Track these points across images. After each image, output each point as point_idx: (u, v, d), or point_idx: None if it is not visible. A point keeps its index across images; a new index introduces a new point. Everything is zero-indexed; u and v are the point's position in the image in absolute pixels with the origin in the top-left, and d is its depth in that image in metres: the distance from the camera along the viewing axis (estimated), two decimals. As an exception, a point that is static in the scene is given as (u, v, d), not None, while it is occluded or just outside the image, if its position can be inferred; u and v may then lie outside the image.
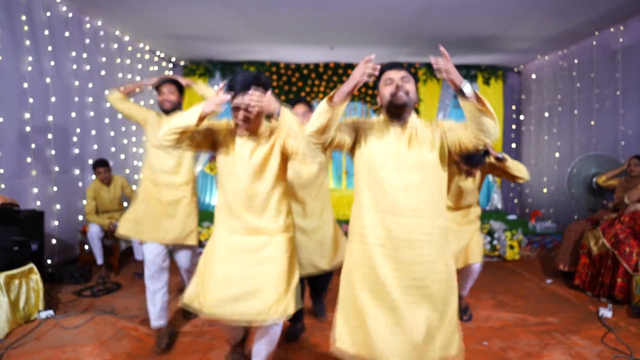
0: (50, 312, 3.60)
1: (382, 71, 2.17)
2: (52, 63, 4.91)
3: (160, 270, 3.25)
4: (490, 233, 5.98)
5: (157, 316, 3.21)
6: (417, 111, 7.95)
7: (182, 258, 3.54)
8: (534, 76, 8.01)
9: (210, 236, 2.57)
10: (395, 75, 2.18)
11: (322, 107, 2.03)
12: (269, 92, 2.35)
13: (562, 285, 4.80)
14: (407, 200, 2.07)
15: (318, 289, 3.73)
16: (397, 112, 2.16)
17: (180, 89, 3.55)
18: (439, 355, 2.09)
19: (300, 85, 8.16)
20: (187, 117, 2.26)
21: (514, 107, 8.65)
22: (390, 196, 2.08)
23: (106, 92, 5.93)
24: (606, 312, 3.89)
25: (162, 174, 3.35)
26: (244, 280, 2.36)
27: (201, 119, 2.26)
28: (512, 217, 7.70)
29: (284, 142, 2.42)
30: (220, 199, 2.51)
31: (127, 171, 6.52)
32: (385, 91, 2.17)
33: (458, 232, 3.66)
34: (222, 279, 2.37)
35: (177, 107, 3.50)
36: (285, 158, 2.49)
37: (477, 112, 1.97)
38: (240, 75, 2.36)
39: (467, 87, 1.97)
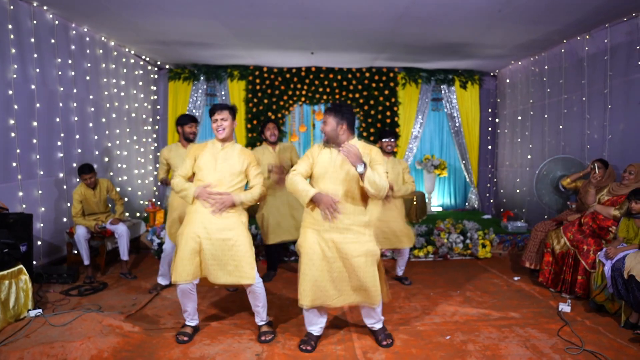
0: (39, 311, 3.76)
1: None
2: (38, 70, 5.04)
3: None
4: (463, 232, 6.24)
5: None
6: (396, 114, 8.20)
7: None
8: (508, 80, 8.31)
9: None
10: (321, 119, 3.40)
11: (301, 195, 3.19)
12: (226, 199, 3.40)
13: (528, 282, 5.07)
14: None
15: None
16: (326, 143, 3.33)
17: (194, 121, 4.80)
18: None
19: (282, 88, 8.36)
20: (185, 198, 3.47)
21: (490, 110, 8.94)
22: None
23: (91, 96, 6.09)
24: (565, 307, 4.16)
25: None
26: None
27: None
28: (487, 216, 8.00)
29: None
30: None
31: (111, 173, 6.66)
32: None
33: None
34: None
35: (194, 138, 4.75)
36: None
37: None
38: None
39: (359, 168, 2.98)
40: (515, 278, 5.24)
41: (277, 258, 5.46)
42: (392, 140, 4.80)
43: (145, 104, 8.01)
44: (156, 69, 8.42)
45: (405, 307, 4.24)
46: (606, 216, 4.55)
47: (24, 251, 4.02)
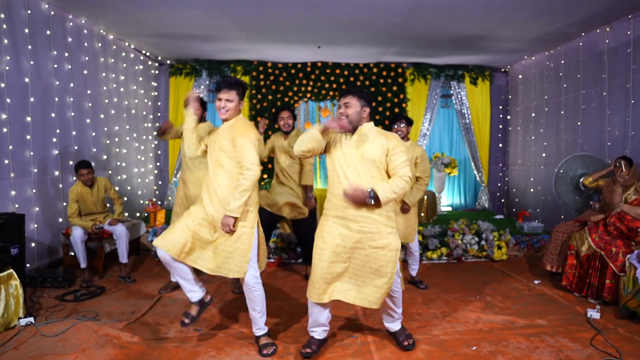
0: (31, 319, 3.48)
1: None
2: (32, 62, 4.77)
3: None
4: (477, 233, 5.97)
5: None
6: (404, 111, 7.96)
7: None
8: (520, 76, 8.04)
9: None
10: (342, 101, 3.03)
11: (310, 136, 2.95)
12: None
13: (550, 286, 4.80)
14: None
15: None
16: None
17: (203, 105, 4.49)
18: None
19: (287, 84, 8.09)
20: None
21: (500, 107, 8.67)
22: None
23: (88, 91, 5.82)
24: (594, 314, 3.89)
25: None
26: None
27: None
28: (499, 216, 7.72)
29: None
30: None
31: (110, 172, 6.39)
32: (337, 113, 3.08)
33: None
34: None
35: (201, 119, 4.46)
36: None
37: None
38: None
39: (370, 201, 2.86)
40: (536, 281, 4.96)
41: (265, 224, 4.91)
42: (403, 125, 4.46)
43: (146, 100, 7.73)
44: (157, 64, 8.15)
45: (424, 314, 3.96)
46: (635, 216, 4.29)
47: (15, 254, 3.74)
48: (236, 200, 3.00)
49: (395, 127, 4.46)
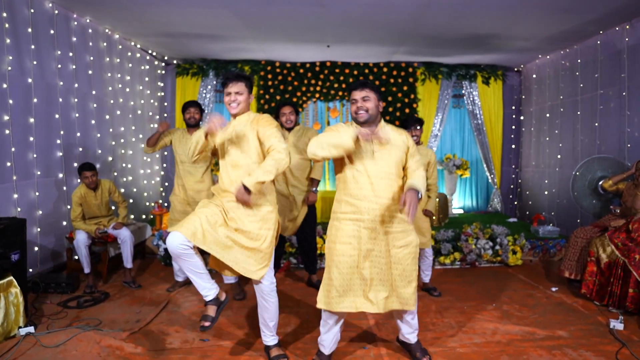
0: (31, 329, 3.36)
1: (350, 90, 2.85)
2: (35, 62, 4.66)
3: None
4: (492, 238, 5.79)
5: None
6: (415, 111, 7.79)
7: None
8: (534, 76, 7.84)
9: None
10: (358, 95, 2.80)
11: (341, 144, 2.69)
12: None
13: (568, 294, 4.61)
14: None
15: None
16: (362, 125, 2.83)
17: (201, 109, 4.77)
18: None
19: (296, 84, 7.94)
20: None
21: (513, 107, 8.47)
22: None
23: (93, 92, 5.71)
24: (617, 325, 3.70)
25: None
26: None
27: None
28: (512, 220, 7.53)
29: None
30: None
31: (115, 173, 6.27)
32: (351, 109, 2.86)
33: None
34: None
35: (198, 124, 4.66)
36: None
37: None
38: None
39: (420, 194, 2.72)
40: (553, 289, 4.78)
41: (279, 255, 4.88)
42: (418, 127, 4.34)
43: (152, 101, 7.62)
44: (163, 64, 8.03)
45: (438, 324, 3.80)
46: (659, 222, 4.10)
47: (15, 260, 3.63)
48: (257, 175, 2.74)
49: (412, 131, 4.34)
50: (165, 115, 8.14)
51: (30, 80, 4.61)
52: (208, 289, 2.85)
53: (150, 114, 7.56)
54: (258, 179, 2.73)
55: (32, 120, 4.64)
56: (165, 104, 8.16)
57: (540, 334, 3.61)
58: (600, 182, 5.19)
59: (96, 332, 3.35)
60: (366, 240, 2.78)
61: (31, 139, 4.64)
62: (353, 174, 2.82)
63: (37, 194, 4.72)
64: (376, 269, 2.81)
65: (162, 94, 8.06)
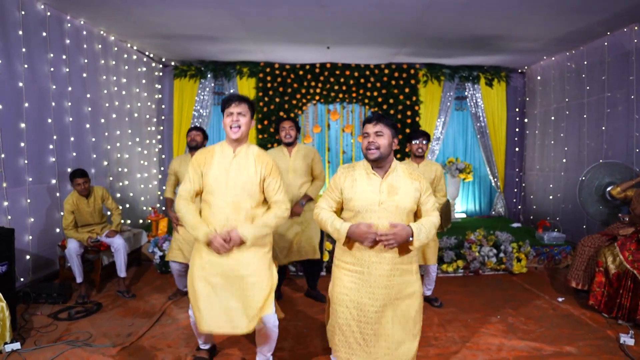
0: (17, 345, 3.23)
1: (364, 122, 2.58)
2: (26, 66, 4.53)
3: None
4: (496, 245, 5.64)
5: None
6: (417, 114, 7.63)
7: None
8: (539, 78, 7.68)
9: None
10: (371, 129, 2.52)
11: (333, 235, 2.55)
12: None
13: (576, 305, 4.47)
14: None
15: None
16: (373, 164, 2.56)
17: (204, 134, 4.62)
18: None
19: (295, 86, 7.79)
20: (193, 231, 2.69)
21: (517, 110, 8.31)
22: None
23: (88, 95, 5.58)
24: (628, 340, 3.56)
25: None
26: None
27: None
28: (516, 225, 7.37)
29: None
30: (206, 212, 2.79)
31: (111, 178, 6.14)
32: (362, 145, 2.56)
33: None
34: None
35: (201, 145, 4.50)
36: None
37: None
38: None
39: (416, 244, 2.46)
40: (560, 299, 4.64)
41: (281, 276, 4.53)
42: (424, 142, 4.20)
43: (149, 104, 7.49)
44: (161, 66, 7.90)
45: (441, 339, 3.65)
46: (670, 232, 3.95)
47: (3, 272, 3.50)
48: (258, 230, 2.64)
49: (416, 144, 4.20)
50: (163, 118, 8.01)
51: (21, 84, 4.48)
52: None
53: (148, 116, 7.43)
54: (258, 234, 2.64)
55: (23, 125, 4.50)
56: (163, 106, 8.03)
57: (547, 349, 3.46)
58: (608, 189, 5.03)
59: (85, 348, 3.22)
60: (368, 293, 2.52)
61: (22, 144, 4.51)
62: (354, 221, 2.55)
63: (28, 201, 4.59)
64: (379, 325, 2.55)
65: (160, 96, 7.92)
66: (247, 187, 2.68)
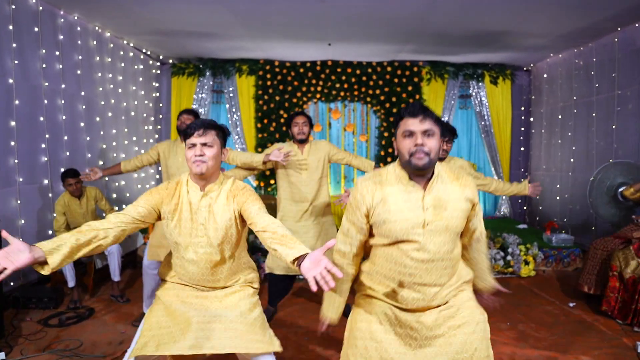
0: (1, 355, 3.07)
1: (401, 116, 1.86)
2: (16, 62, 4.36)
3: None
4: (503, 247, 5.47)
5: None
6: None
7: None
8: (545, 75, 7.50)
9: None
10: (417, 127, 1.81)
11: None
12: None
13: (588, 310, 4.29)
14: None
15: None
16: (416, 173, 1.85)
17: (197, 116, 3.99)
18: None
19: (296, 84, 7.62)
20: None
21: (522, 108, 8.14)
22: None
23: (82, 93, 5.41)
24: (645, 348, 3.39)
25: None
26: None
27: None
28: (522, 226, 7.20)
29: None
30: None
31: (106, 178, 5.96)
32: (403, 147, 1.83)
33: None
34: None
35: None
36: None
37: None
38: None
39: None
40: (571, 304, 4.46)
41: (283, 290, 4.05)
42: (450, 144, 3.66)
43: (146, 102, 7.32)
44: (158, 63, 7.73)
45: (449, 348, 3.48)
46: (688, 234, 3.78)
47: (-12, 277, 3.32)
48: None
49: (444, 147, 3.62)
50: (161, 116, 7.85)
51: (11, 80, 4.30)
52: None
53: (145, 115, 7.26)
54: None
55: (13, 123, 4.33)
56: (161, 104, 7.87)
57: (562, 359, 3.29)
58: (620, 189, 4.86)
59: (73, 359, 3.05)
60: (407, 330, 1.92)
61: (12, 143, 4.34)
62: (388, 253, 1.90)
63: (19, 202, 4.42)
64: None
65: (158, 94, 7.76)
66: (219, 235, 2.14)
